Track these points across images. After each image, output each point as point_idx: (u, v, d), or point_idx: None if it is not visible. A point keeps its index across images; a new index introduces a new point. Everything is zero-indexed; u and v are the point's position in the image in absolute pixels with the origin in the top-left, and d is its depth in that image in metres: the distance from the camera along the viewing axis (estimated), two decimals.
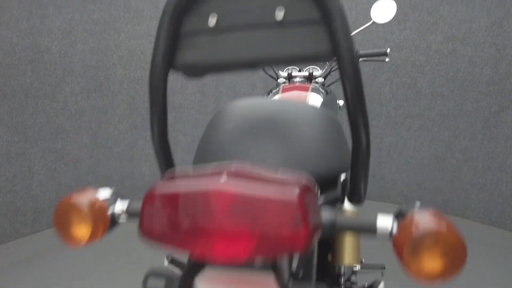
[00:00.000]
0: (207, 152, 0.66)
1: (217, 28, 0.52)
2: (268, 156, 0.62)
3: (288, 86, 1.39)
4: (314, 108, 0.75)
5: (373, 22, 1.43)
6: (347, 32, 0.46)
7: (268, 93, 1.39)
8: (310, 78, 1.56)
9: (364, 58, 1.48)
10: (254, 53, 0.51)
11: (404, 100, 2.54)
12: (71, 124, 2.24)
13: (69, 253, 1.84)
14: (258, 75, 2.88)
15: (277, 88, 1.38)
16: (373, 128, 2.68)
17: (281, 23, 0.49)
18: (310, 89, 1.31)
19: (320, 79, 1.56)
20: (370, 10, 2.55)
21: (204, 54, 0.53)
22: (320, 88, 1.35)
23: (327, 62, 1.64)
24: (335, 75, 2.72)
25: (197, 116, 2.78)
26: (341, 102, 1.70)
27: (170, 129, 2.71)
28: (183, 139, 2.76)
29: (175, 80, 2.66)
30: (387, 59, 1.44)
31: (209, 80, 2.77)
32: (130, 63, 2.48)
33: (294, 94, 1.24)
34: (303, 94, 1.23)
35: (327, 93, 1.35)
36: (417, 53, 2.45)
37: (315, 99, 1.22)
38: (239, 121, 0.68)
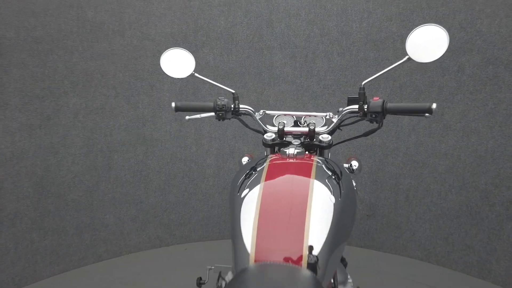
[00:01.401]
0: None
1: None
2: None
3: (279, 161, 0.90)
4: None
5: (409, 59, 0.94)
6: None
7: (251, 171, 0.90)
8: (311, 136, 1.07)
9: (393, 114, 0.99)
10: None
11: (428, 135, 2.05)
12: (6, 171, 1.77)
13: None
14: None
15: (263, 165, 0.90)
16: (388, 166, 2.18)
17: None
18: (313, 173, 0.81)
19: (326, 137, 1.07)
20: (388, 24, 2.05)
21: None
22: (325, 169, 0.86)
23: (330, 114, 1.15)
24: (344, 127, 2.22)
25: (173, 150, 2.30)
26: (355, 164, 1.21)
27: (139, 166, 2.23)
28: (155, 178, 2.28)
29: (145, 107, 2.18)
30: (426, 114, 0.96)
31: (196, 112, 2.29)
32: (87, 89, 2.00)
33: (285, 192, 0.75)
34: (303, 192, 0.74)
35: (337, 174, 0.86)
36: (445, 77, 1.95)
37: (324, 202, 0.73)
38: None
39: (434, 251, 2.11)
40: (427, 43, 0.93)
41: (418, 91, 2.04)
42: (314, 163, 0.86)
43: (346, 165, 1.23)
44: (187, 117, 1.27)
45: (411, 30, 2.05)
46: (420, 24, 1.97)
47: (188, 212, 2.39)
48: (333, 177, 0.83)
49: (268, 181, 0.80)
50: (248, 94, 2.30)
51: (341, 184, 0.82)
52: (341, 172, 0.90)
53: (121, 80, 2.10)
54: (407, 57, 0.98)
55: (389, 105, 0.96)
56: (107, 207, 2.16)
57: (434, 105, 0.89)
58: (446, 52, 1.93)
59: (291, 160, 0.88)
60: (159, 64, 1.13)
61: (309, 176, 0.78)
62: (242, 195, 0.80)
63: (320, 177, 0.80)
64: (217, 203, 2.43)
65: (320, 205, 0.72)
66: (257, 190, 0.78)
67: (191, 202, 2.38)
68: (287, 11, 2.20)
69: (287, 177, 0.79)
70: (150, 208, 2.30)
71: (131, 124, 2.17)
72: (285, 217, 0.69)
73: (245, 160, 1.27)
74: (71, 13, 1.90)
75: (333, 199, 0.75)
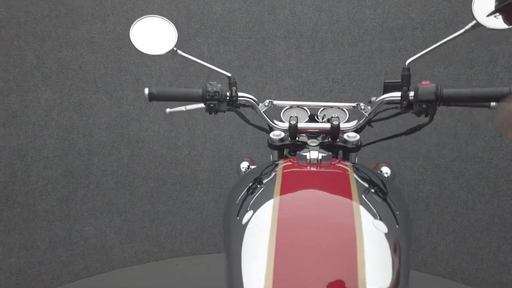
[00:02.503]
0: None
1: None
2: None
3: (296, 170, 0.64)
4: None
5: (477, 25, 0.68)
6: None
7: (255, 183, 0.64)
8: (334, 134, 0.81)
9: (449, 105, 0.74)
10: None
11: (453, 135, 1.80)
12: None
13: None
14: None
15: (273, 175, 0.64)
16: (406, 171, 1.93)
17: None
18: (353, 189, 0.55)
19: (353, 136, 0.81)
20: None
21: None
22: (365, 182, 0.61)
23: (361, 104, 0.88)
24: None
25: (162, 153, 2.03)
26: (386, 171, 0.95)
27: (123, 171, 1.96)
28: (142, 184, 2.01)
29: (130, 103, 1.92)
30: (492, 104, 0.73)
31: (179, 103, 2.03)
32: (62, 82, 1.74)
33: (315, 219, 0.49)
34: (346, 221, 0.48)
35: (380, 188, 0.61)
36: (474, 69, 1.71)
37: (379, 235, 0.47)
38: None
39: (459, 267, 1.86)
40: None
41: (442, 86, 1.79)
42: (351, 174, 0.60)
43: None
44: (167, 110, 1.01)
45: (433, 16, 1.82)
46: (445, 11, 1.72)
47: (180, 222, 2.12)
48: (379, 192, 0.57)
49: (284, 199, 0.54)
50: (247, 90, 2.04)
51: (390, 202, 0.56)
52: (383, 183, 0.64)
53: (102, 73, 1.84)
54: (473, 22, 0.73)
55: (446, 91, 0.70)
56: (86, 218, 1.89)
57: None
58: (476, 40, 1.68)
59: (313, 169, 0.62)
60: (129, 38, 0.87)
61: (348, 194, 0.53)
62: (244, 221, 0.54)
63: (365, 195, 0.54)
64: (212, 212, 2.16)
65: (376, 241, 0.46)
66: (268, 213, 0.52)
67: (183, 211, 2.11)
68: None
69: (314, 195, 0.53)
70: (136, 219, 2.03)
71: (114, 122, 1.90)
72: (323, 261, 0.43)
73: (244, 166, 1.01)
74: None
75: (385, 228, 0.49)
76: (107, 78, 1.85)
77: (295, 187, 0.56)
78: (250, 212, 0.55)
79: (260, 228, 0.50)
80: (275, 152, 0.88)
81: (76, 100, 1.79)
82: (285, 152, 0.91)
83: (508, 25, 0.75)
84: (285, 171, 0.62)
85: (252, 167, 1.01)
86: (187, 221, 2.13)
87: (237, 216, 0.57)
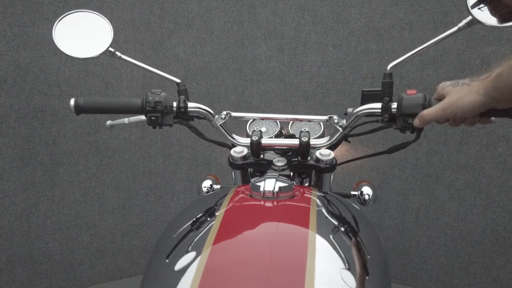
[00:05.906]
0: None
1: None
2: None
3: (244, 205, 0.52)
4: None
5: (472, 22, 0.55)
6: None
7: (204, 216, 0.52)
8: (303, 153, 0.69)
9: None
10: None
11: (443, 143, 1.69)
12: None
13: None
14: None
15: (215, 209, 0.52)
16: (394, 180, 1.82)
17: None
18: (311, 234, 0.44)
19: (326, 153, 0.69)
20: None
21: None
22: (333, 219, 0.49)
23: (335, 117, 0.75)
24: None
25: (134, 162, 1.89)
26: (367, 192, 0.84)
27: (91, 182, 1.82)
28: (112, 196, 1.87)
29: None
30: (493, 118, 0.62)
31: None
32: (20, 87, 1.59)
33: (252, 275, 0.37)
34: (293, 278, 0.37)
35: (351, 227, 0.49)
36: (465, 72, 1.61)
37: None
38: None
39: (450, 282, 1.76)
40: None
41: (431, 90, 1.68)
42: (313, 209, 0.47)
43: (354, 193, 0.86)
44: (108, 123, 0.88)
45: (421, 16, 1.71)
46: (434, 11, 1.62)
47: (154, 235, 1.98)
48: (349, 232, 0.45)
49: (218, 246, 0.42)
50: (226, 94, 1.92)
51: (363, 247, 0.45)
52: (355, 220, 0.52)
53: (67, 76, 1.70)
54: (469, 18, 0.62)
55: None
56: (50, 233, 1.74)
57: None
58: (467, 41, 1.58)
59: (268, 204, 0.50)
60: (52, 37, 0.74)
61: (304, 236, 0.41)
62: (178, 267, 0.42)
63: (329, 237, 0.42)
64: None
65: None
66: (195, 262, 0.40)
67: (157, 223, 1.98)
68: None
69: (258, 239, 0.41)
70: (106, 233, 1.89)
71: (80, 130, 1.76)
72: None
73: (206, 185, 0.88)
74: None
75: (353, 281, 0.38)
76: (72, 81, 1.71)
77: (236, 229, 0.44)
78: (184, 257, 0.44)
79: (184, 279, 0.40)
80: (238, 172, 0.76)
81: (37, 106, 1.64)
82: (249, 172, 0.79)
83: (500, 21, 0.64)
84: (229, 206, 0.49)
85: (216, 186, 0.89)
86: None
87: (167, 258, 0.45)
